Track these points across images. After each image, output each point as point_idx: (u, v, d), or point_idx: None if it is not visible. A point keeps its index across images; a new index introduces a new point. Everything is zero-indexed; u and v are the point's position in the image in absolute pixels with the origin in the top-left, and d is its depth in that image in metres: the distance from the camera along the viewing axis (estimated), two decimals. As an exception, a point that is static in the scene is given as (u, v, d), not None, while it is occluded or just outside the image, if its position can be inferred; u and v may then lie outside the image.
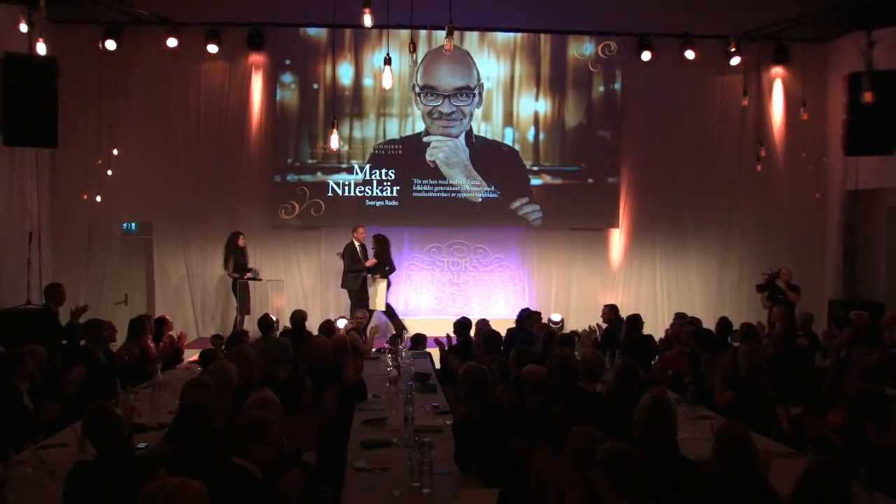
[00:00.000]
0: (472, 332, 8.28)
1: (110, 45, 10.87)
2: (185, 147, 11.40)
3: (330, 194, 11.68)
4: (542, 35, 11.90)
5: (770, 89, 11.91)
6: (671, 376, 6.85)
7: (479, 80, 11.86)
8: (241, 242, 10.92)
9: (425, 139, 11.82)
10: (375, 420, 5.46)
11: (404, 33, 10.53)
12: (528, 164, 11.95)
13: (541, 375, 4.96)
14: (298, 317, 8.46)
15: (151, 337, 7.86)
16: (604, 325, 9.08)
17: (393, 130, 11.81)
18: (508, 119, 11.95)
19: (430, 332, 9.45)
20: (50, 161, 10.70)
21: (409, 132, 11.83)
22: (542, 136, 11.99)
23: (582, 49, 11.95)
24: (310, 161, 11.71)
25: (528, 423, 4.33)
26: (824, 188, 11.87)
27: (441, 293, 12.00)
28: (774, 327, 8.77)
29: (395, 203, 11.76)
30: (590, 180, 12.03)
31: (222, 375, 4.96)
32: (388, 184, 11.76)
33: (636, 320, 8.22)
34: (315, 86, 11.73)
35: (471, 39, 11.84)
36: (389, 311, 11.07)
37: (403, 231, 11.85)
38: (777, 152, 11.91)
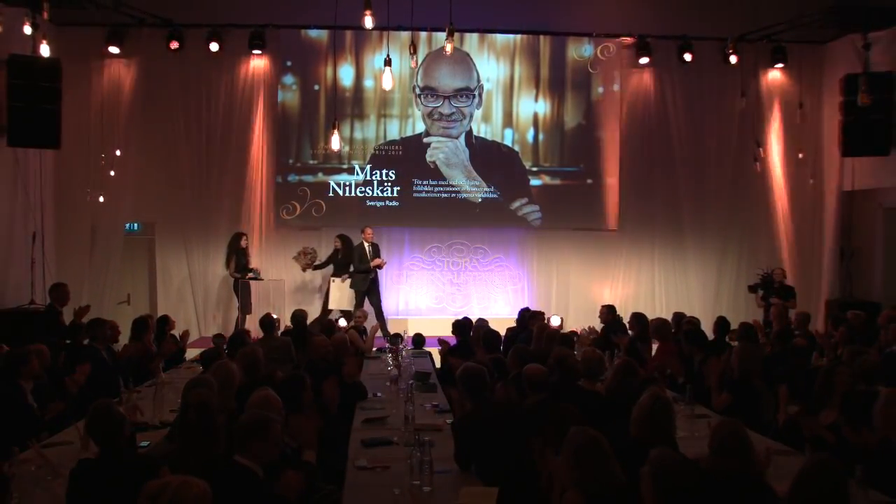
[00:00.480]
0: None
1: (113, 46, 10.97)
2: (187, 148, 11.46)
3: (331, 195, 11.75)
4: (542, 37, 11.97)
5: (767, 91, 11.95)
6: (669, 375, 6.90)
7: (478, 81, 11.92)
8: (243, 243, 11.01)
9: (425, 140, 11.88)
10: (376, 419, 5.47)
11: (405, 35, 10.58)
12: (527, 164, 12.01)
13: (541, 374, 4.98)
14: (299, 316, 8.50)
15: (154, 336, 7.91)
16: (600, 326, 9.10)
17: (393, 131, 11.87)
18: (508, 120, 12.01)
19: (431, 332, 9.50)
20: (53, 162, 10.78)
21: (409, 133, 11.89)
22: (541, 136, 12.05)
23: (581, 51, 12.01)
24: (311, 162, 11.77)
25: (528, 421, 4.32)
26: (821, 188, 11.94)
27: (441, 293, 12.07)
28: (772, 327, 8.82)
29: (395, 203, 11.83)
30: (589, 181, 12.10)
31: (224, 375, 4.98)
32: (389, 184, 11.83)
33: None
34: (316, 87, 11.80)
35: (471, 41, 11.90)
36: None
37: (404, 231, 11.92)
38: (774, 153, 11.96)
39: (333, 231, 11.62)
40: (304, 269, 11.26)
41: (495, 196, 11.92)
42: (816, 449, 4.26)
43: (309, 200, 11.71)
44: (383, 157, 11.85)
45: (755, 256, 11.71)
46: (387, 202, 11.83)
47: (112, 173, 10.92)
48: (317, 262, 11.26)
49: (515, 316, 9.30)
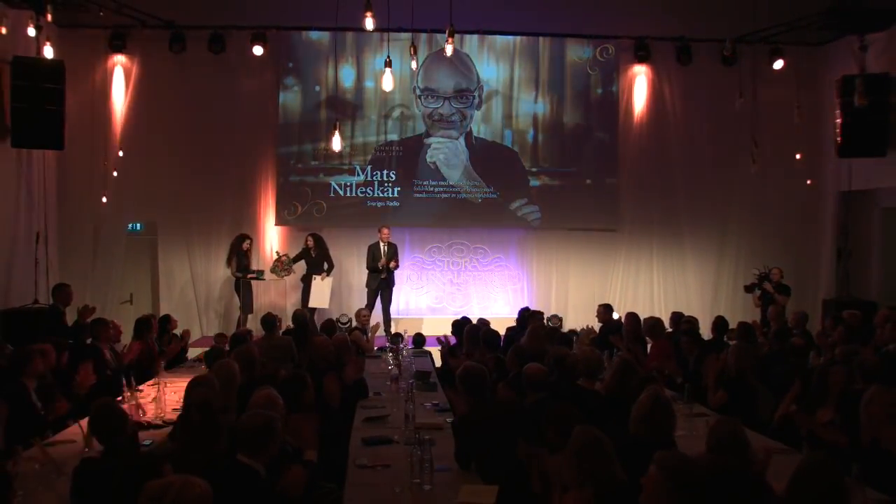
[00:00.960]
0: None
1: (116, 48, 11.04)
2: (189, 148, 11.48)
3: (332, 195, 11.80)
4: (541, 38, 12.01)
5: (765, 92, 11.98)
6: (668, 375, 6.95)
7: (478, 82, 11.97)
8: (245, 246, 11.00)
9: (426, 141, 11.93)
10: (377, 417, 5.50)
11: (405, 36, 10.61)
12: (527, 165, 12.06)
13: (541, 374, 5.01)
14: (301, 316, 8.54)
15: (156, 335, 7.97)
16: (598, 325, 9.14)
17: (394, 132, 11.93)
18: (508, 121, 12.06)
19: (431, 332, 9.56)
20: (57, 163, 10.81)
21: (409, 134, 11.95)
22: (540, 137, 12.09)
23: (580, 52, 12.06)
24: (312, 162, 11.82)
25: (527, 421, 4.34)
26: (818, 188, 11.98)
27: (441, 293, 12.12)
28: (770, 326, 8.86)
29: (395, 203, 11.88)
30: (588, 181, 12.14)
31: (226, 374, 5.03)
32: (389, 185, 11.88)
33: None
34: (317, 88, 11.84)
35: (471, 42, 11.94)
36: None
37: (404, 231, 11.96)
38: (772, 154, 11.98)
39: (334, 231, 11.69)
40: (287, 275, 11.21)
41: (495, 196, 11.97)
42: (814, 446, 4.31)
43: (310, 201, 11.75)
44: (384, 157, 11.90)
45: (753, 256, 11.74)
46: (387, 202, 11.88)
47: (115, 174, 10.98)
48: (287, 262, 11.25)
49: (515, 316, 9.37)
